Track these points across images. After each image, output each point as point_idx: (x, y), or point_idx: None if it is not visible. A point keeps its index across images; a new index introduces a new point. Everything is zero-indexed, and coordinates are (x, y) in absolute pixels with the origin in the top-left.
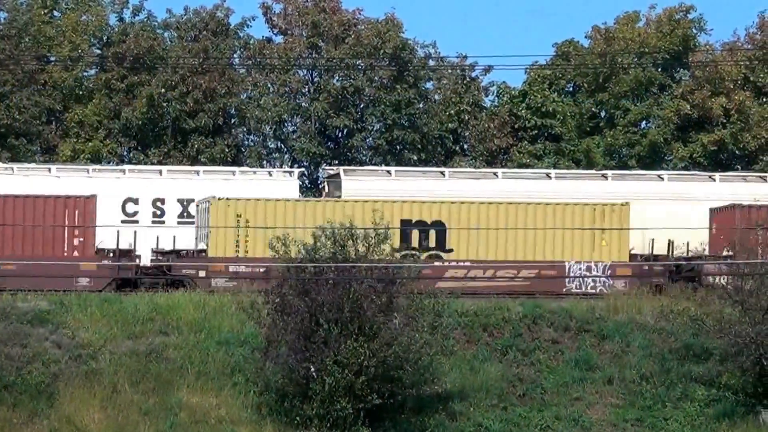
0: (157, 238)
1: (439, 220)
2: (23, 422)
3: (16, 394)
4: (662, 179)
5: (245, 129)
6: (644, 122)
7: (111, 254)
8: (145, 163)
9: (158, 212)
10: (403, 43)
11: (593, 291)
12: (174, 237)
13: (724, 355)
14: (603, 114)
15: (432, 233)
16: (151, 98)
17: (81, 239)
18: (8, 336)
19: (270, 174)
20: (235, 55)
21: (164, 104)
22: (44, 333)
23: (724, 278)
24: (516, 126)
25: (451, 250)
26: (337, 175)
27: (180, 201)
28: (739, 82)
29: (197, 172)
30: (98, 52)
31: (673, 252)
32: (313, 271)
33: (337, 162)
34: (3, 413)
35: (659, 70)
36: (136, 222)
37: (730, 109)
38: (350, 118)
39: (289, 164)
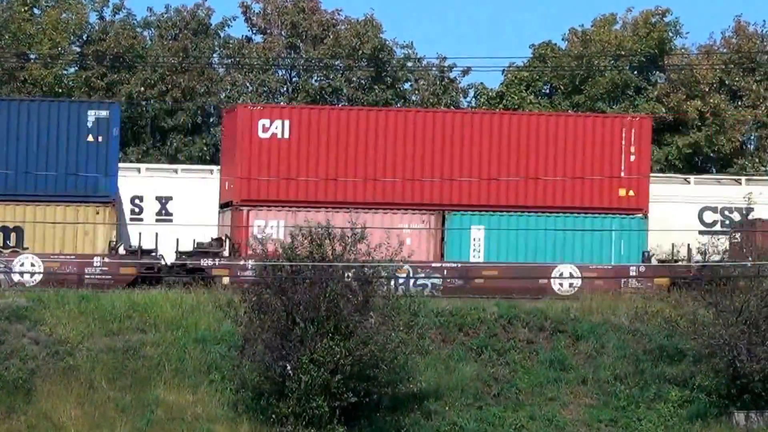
0: (140, 235)
1: None
2: (0, 418)
3: None
4: None
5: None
6: None
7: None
8: (123, 161)
9: (136, 209)
10: (382, 43)
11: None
12: (156, 235)
13: (697, 356)
14: None
15: None
16: (130, 96)
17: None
18: None
19: None
20: (214, 55)
21: (143, 102)
22: (21, 329)
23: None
24: None
25: None
26: None
27: (158, 198)
28: (714, 86)
29: (176, 171)
30: (78, 50)
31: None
32: (290, 270)
33: None
34: None
35: (635, 72)
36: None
37: (705, 112)
38: None
39: None
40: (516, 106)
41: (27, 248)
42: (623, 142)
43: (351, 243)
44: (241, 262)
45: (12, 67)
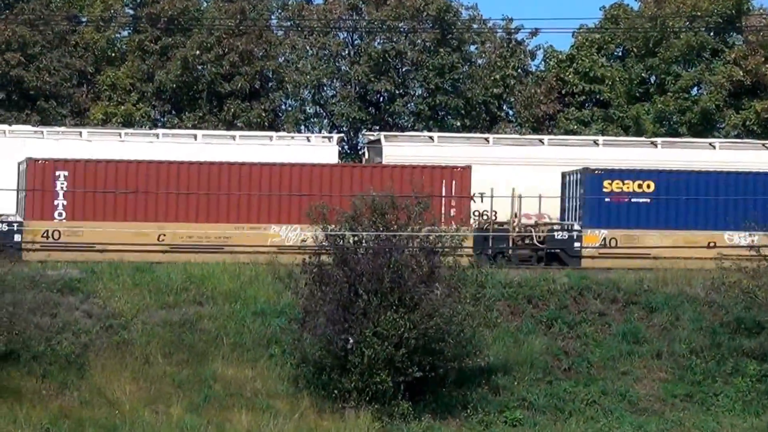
0: None
1: None
2: (53, 394)
3: (45, 365)
4: (714, 147)
5: (283, 93)
6: (695, 88)
7: None
8: (180, 128)
9: None
10: (447, 5)
11: None
12: None
13: None
14: (653, 79)
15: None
16: (185, 61)
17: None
18: (37, 305)
19: (308, 139)
20: (272, 17)
21: (199, 67)
22: (74, 302)
23: None
24: (563, 91)
25: None
26: (378, 140)
27: None
28: None
29: (233, 137)
30: (131, 12)
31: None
32: (352, 240)
33: (377, 128)
34: (32, 384)
35: (711, 34)
36: None
37: None
38: (392, 82)
39: (328, 129)
40: (587, 69)
41: None
42: None
43: (416, 213)
44: None
45: (63, 30)
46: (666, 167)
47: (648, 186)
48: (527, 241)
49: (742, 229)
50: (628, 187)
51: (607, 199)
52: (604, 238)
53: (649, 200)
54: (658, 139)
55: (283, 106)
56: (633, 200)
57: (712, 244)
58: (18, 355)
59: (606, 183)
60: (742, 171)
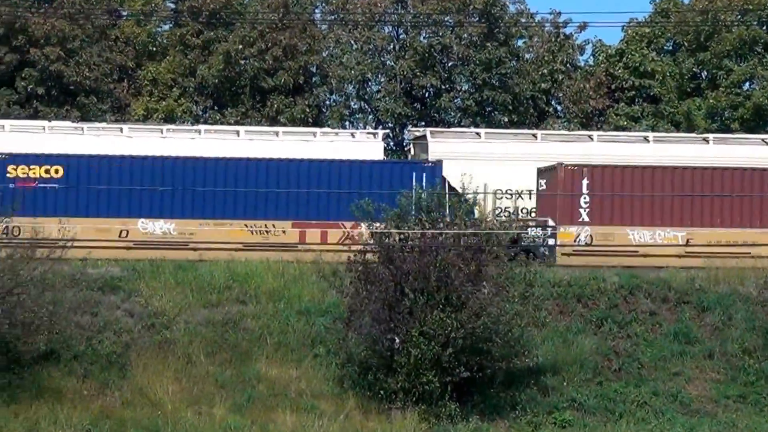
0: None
1: None
2: (94, 393)
3: (86, 365)
4: (767, 144)
5: (327, 88)
6: (748, 83)
7: None
8: (222, 124)
9: None
10: None
11: None
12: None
13: None
14: (704, 74)
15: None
16: (228, 55)
17: None
18: (78, 304)
19: (353, 135)
20: (316, 11)
21: (242, 62)
22: (115, 301)
23: None
24: (612, 86)
25: None
26: (424, 137)
27: None
28: None
29: (276, 133)
30: (173, 6)
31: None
32: (398, 238)
33: (423, 123)
34: (73, 384)
35: (764, 28)
36: None
37: None
38: (437, 77)
39: (373, 125)
40: (637, 64)
41: None
42: None
43: (462, 210)
44: None
45: (103, 24)
46: (81, 152)
47: (56, 171)
48: None
49: (156, 217)
50: (35, 173)
51: (12, 185)
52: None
53: (57, 186)
54: (710, 135)
55: (327, 102)
56: (41, 186)
57: (124, 233)
58: (59, 354)
59: (11, 168)
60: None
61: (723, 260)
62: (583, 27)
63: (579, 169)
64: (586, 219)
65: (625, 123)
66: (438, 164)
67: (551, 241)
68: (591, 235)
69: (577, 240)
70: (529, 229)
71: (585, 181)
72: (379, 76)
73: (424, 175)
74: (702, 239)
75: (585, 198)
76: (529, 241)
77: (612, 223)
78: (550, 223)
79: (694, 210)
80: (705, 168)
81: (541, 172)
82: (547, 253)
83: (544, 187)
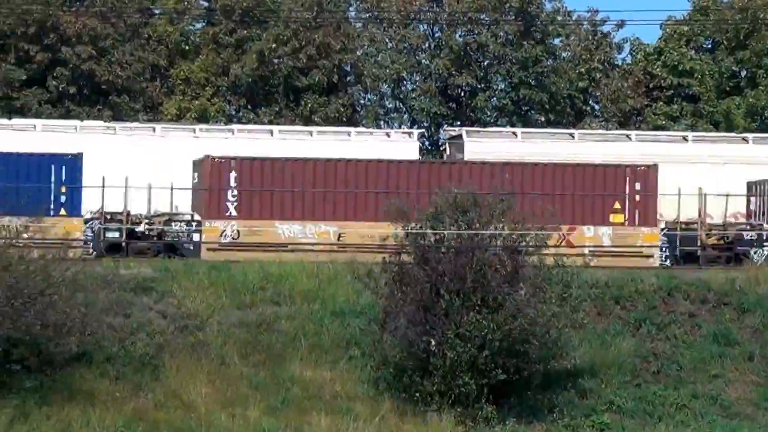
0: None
1: None
2: (127, 395)
3: (119, 366)
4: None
5: (361, 87)
6: None
7: None
8: (256, 123)
9: None
10: None
11: None
12: None
13: None
14: (744, 73)
15: None
16: (261, 54)
17: None
18: (110, 305)
19: (388, 135)
20: (350, 9)
21: (275, 60)
22: (148, 302)
23: None
24: (651, 85)
25: None
26: (460, 136)
27: None
28: None
29: (310, 133)
30: (205, 4)
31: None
32: (433, 238)
33: (459, 123)
34: (105, 386)
35: None
36: None
37: None
38: (473, 76)
39: (408, 125)
40: (676, 63)
41: None
42: None
43: (499, 211)
44: None
45: (135, 23)
46: None
47: None
48: None
49: None
50: None
51: None
52: None
53: None
54: (750, 135)
55: (362, 101)
56: None
57: None
58: (91, 356)
59: None
60: None
61: None
62: (620, 25)
63: (226, 162)
64: (234, 213)
65: (664, 122)
66: (78, 157)
67: (196, 237)
68: (238, 230)
69: (223, 235)
70: (173, 224)
71: (233, 174)
72: (415, 75)
73: (64, 169)
74: (352, 235)
75: (233, 192)
76: (173, 236)
77: (261, 218)
78: (196, 217)
79: (348, 205)
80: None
81: (195, 165)
82: (191, 248)
83: (197, 180)
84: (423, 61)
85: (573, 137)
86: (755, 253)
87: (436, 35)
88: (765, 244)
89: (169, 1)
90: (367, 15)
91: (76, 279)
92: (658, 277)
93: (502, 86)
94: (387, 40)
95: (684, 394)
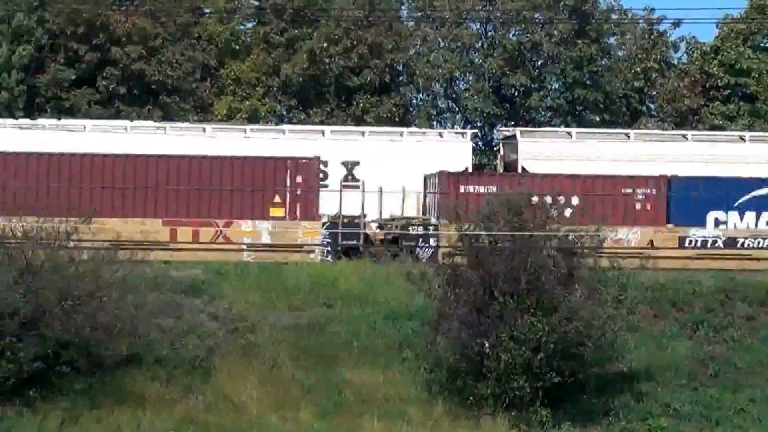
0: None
1: None
2: (177, 398)
3: (169, 369)
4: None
5: (414, 87)
6: None
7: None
8: (307, 123)
9: (321, 176)
10: None
11: None
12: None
13: None
14: None
15: None
16: (312, 53)
17: None
18: (161, 307)
19: (441, 135)
20: (402, 7)
21: (327, 60)
22: (199, 304)
23: None
24: (707, 85)
25: None
26: (514, 136)
27: (344, 164)
28: None
29: (362, 133)
30: (256, 3)
31: None
32: (487, 240)
33: (513, 123)
34: (156, 389)
35: None
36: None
37: None
38: (527, 75)
39: (462, 125)
40: (733, 62)
41: None
42: None
43: (554, 211)
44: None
45: (185, 22)
46: None
47: None
48: None
49: None
50: None
51: None
52: None
53: None
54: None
55: (414, 101)
56: None
57: None
58: (141, 358)
59: None
60: None
61: None
62: (676, 24)
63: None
64: None
65: (721, 122)
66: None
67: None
68: None
69: None
70: (410, 228)
71: None
72: (467, 74)
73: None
74: None
75: None
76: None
77: None
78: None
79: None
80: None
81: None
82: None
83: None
84: (476, 60)
85: (629, 137)
86: (421, 248)
87: (489, 34)
88: (432, 240)
89: (219, 0)
90: (420, 14)
91: (126, 281)
92: (715, 279)
93: (556, 86)
94: (439, 40)
95: (741, 397)
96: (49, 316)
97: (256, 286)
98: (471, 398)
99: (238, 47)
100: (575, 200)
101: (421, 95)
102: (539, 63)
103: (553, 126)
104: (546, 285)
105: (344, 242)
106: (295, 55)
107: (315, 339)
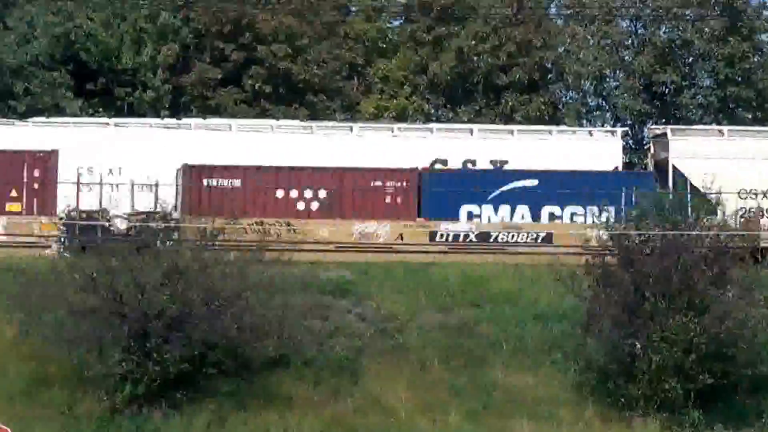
0: None
1: None
2: (325, 400)
3: (317, 370)
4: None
5: (563, 85)
6: None
7: None
8: (455, 122)
9: None
10: None
11: None
12: None
13: None
14: None
15: None
16: (460, 51)
17: None
18: (309, 308)
19: (590, 134)
20: (551, 5)
21: (475, 58)
22: (346, 305)
23: None
24: None
25: None
26: (664, 134)
27: (493, 162)
28: None
29: (511, 132)
30: (403, 1)
31: None
32: (638, 240)
33: (663, 121)
34: (303, 391)
35: None
36: None
37: None
38: (678, 73)
39: (611, 123)
40: None
41: None
42: None
43: (705, 211)
44: None
45: (332, 21)
46: None
47: None
48: None
49: None
50: None
51: None
52: None
53: None
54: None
55: (564, 99)
56: None
57: None
58: (288, 360)
59: None
60: None
61: None
62: None
63: None
64: None
65: None
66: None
67: None
68: None
69: None
70: None
71: None
72: (617, 72)
73: None
74: None
75: None
76: None
77: None
78: None
79: None
80: None
81: None
82: None
83: None
84: (626, 58)
85: None
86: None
87: (639, 32)
88: (174, 234)
89: None
90: (569, 11)
91: (273, 281)
92: None
93: (708, 83)
94: (589, 37)
95: None
96: (195, 317)
97: (404, 286)
98: (622, 400)
99: (384, 45)
100: (322, 193)
101: (570, 93)
102: (690, 60)
103: (705, 124)
104: (698, 285)
105: (82, 237)
106: (442, 53)
107: (463, 340)
